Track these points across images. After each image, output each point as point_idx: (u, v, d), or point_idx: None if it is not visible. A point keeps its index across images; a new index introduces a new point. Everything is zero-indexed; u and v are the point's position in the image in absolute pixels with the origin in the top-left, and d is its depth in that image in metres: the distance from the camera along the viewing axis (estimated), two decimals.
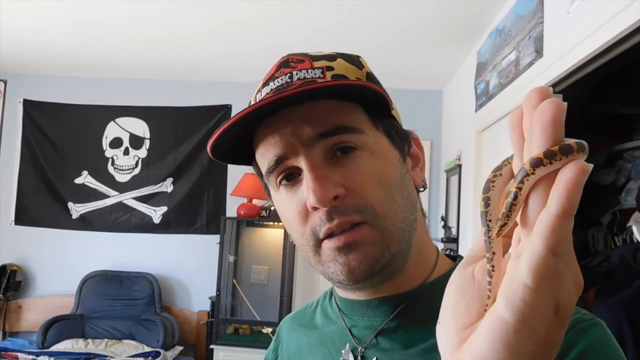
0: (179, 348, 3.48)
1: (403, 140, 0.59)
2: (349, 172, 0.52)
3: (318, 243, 0.52)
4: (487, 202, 0.31)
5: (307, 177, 0.51)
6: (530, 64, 1.98)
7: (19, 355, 3.08)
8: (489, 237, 0.31)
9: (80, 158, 3.95)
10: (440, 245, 3.30)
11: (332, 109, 0.53)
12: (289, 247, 3.48)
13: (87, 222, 3.93)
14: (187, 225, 3.87)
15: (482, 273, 0.33)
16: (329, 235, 0.51)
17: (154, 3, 2.60)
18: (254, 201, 3.58)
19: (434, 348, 0.51)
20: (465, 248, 2.90)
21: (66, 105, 3.99)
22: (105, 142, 3.97)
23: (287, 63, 0.57)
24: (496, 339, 0.28)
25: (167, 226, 3.88)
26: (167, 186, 3.91)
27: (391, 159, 0.55)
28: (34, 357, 3.06)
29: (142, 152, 3.95)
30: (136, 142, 3.96)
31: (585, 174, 0.26)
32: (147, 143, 3.96)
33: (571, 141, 0.27)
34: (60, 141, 3.97)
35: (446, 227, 3.30)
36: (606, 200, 2.41)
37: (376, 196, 0.52)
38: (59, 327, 3.42)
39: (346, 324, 0.60)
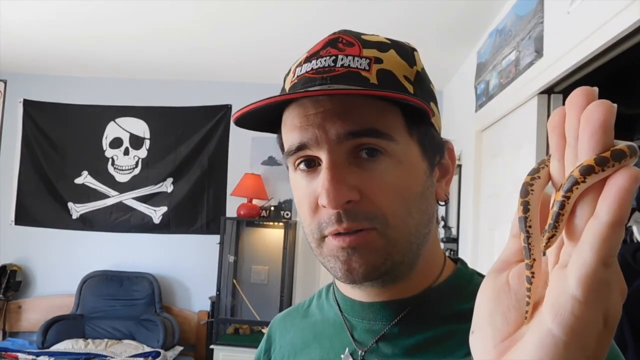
0: (179, 348, 3.48)
1: (436, 151, 0.56)
2: (369, 177, 0.50)
3: (322, 237, 0.52)
4: (526, 207, 0.29)
5: (324, 174, 0.49)
6: (530, 64, 1.98)
7: (19, 355, 3.08)
8: (529, 243, 0.29)
9: (80, 158, 3.95)
10: (441, 246, 3.29)
11: (368, 108, 0.50)
12: (289, 247, 3.48)
13: (87, 222, 3.93)
14: (187, 225, 3.87)
15: (518, 280, 0.31)
16: (335, 233, 0.51)
17: (154, 3, 2.60)
18: (254, 201, 3.59)
19: (436, 355, 0.52)
20: (465, 248, 2.90)
21: (66, 105, 3.99)
22: (105, 142, 3.97)
23: (336, 43, 0.54)
24: (544, 354, 0.27)
25: (167, 226, 3.88)
26: (167, 186, 3.91)
27: (417, 171, 0.53)
28: (34, 357, 3.06)
29: (142, 152, 3.95)
30: (136, 142, 3.96)
31: (637, 181, 0.25)
32: (147, 143, 3.96)
33: (622, 145, 0.26)
34: (60, 141, 3.97)
35: (446, 227, 3.30)
36: None
37: (391, 206, 0.50)
38: (59, 327, 3.42)
39: (347, 326, 0.59)
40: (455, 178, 3.18)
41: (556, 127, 0.29)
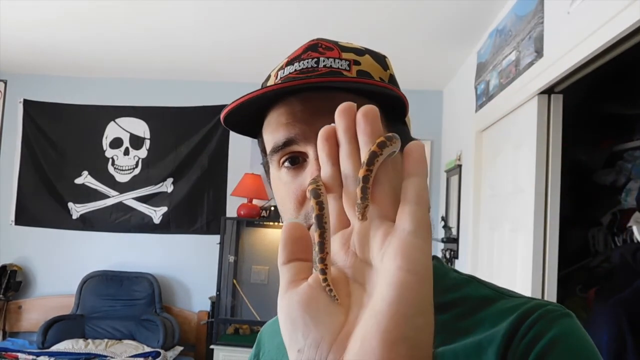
0: (179, 348, 3.48)
1: (405, 140, 0.58)
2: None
3: (308, 228, 0.52)
4: (321, 206, 0.34)
5: (313, 167, 0.51)
6: (530, 64, 1.98)
7: (19, 355, 3.08)
8: (324, 238, 0.33)
9: (80, 158, 3.95)
10: (441, 245, 3.29)
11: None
12: None
13: (87, 222, 3.93)
14: (187, 226, 3.87)
15: (315, 283, 0.33)
16: None
17: (154, 3, 2.60)
18: (254, 201, 3.59)
19: (444, 353, 0.52)
20: (465, 248, 2.90)
21: (66, 105, 3.99)
22: (106, 142, 3.97)
23: (316, 47, 0.57)
24: (404, 289, 0.30)
25: (167, 226, 3.88)
26: (167, 186, 3.91)
27: (395, 160, 0.54)
28: (34, 357, 3.06)
29: (142, 152, 3.95)
30: (136, 142, 3.96)
31: (422, 147, 0.33)
32: (147, 143, 3.96)
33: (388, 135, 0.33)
34: (60, 141, 3.97)
35: (446, 227, 3.30)
36: (606, 201, 2.41)
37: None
38: (59, 327, 3.42)
39: None
40: (455, 178, 3.18)
41: (328, 139, 0.35)
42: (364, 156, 0.33)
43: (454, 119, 3.43)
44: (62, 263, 3.88)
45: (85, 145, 3.96)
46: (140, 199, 3.92)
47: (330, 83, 0.51)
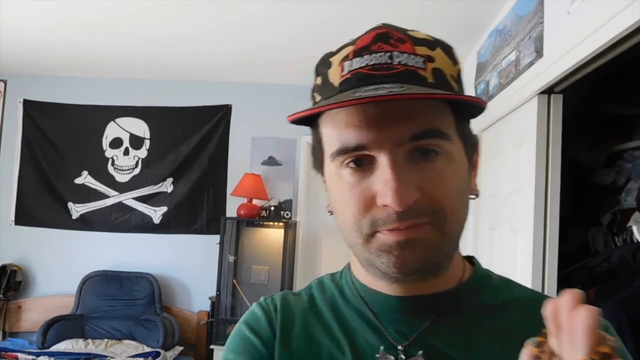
0: (179, 348, 3.48)
1: (472, 147, 0.57)
2: (427, 175, 0.50)
3: (373, 233, 0.51)
4: None
5: (388, 175, 0.49)
6: (530, 64, 1.98)
7: (19, 355, 3.08)
8: None
9: (80, 158, 3.95)
10: None
11: (428, 109, 0.50)
12: (289, 247, 3.49)
13: (87, 222, 3.93)
14: (187, 225, 3.87)
15: None
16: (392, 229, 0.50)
17: (154, 3, 2.60)
18: (254, 201, 3.59)
19: (476, 347, 0.55)
20: (465, 248, 2.88)
21: (66, 105, 3.99)
22: (105, 142, 3.97)
23: (387, 38, 0.52)
24: None
25: (167, 226, 3.88)
26: (167, 186, 3.91)
27: (463, 167, 0.55)
28: (34, 357, 3.06)
29: (142, 152, 3.95)
30: (136, 142, 3.96)
31: None
32: (147, 143, 3.96)
33: (609, 344, 0.35)
34: (60, 141, 3.97)
35: None
36: (606, 201, 2.41)
37: (449, 202, 0.51)
38: (59, 327, 3.42)
39: (379, 322, 0.57)
40: None
41: (552, 315, 0.37)
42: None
43: None
44: (62, 263, 3.88)
45: (85, 145, 3.96)
46: (140, 199, 3.92)
47: (425, 95, 0.48)
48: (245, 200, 3.56)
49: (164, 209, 3.89)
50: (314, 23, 2.73)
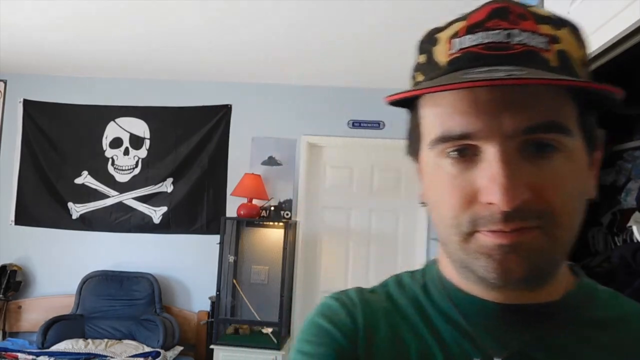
0: (179, 348, 3.48)
1: (594, 143, 0.50)
2: (542, 174, 0.44)
3: (472, 232, 0.46)
4: None
5: (495, 169, 0.43)
6: None
7: (19, 355, 3.08)
8: None
9: (80, 158, 3.95)
10: None
11: (547, 99, 0.44)
12: (289, 247, 3.48)
13: (87, 222, 3.93)
14: (187, 225, 3.87)
15: None
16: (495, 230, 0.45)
17: (154, 3, 2.60)
18: (254, 201, 3.59)
19: None
20: None
21: (66, 105, 3.99)
22: (105, 142, 3.97)
23: (506, 14, 0.46)
24: None
25: (167, 226, 3.88)
26: (167, 186, 3.91)
27: (582, 166, 0.48)
28: (34, 357, 3.06)
29: (142, 152, 3.95)
30: (136, 142, 3.96)
31: None
32: (147, 143, 3.96)
33: None
34: (60, 141, 3.97)
35: None
36: (606, 200, 2.41)
37: (561, 204, 0.45)
38: (59, 327, 3.42)
39: (475, 330, 0.51)
40: None
41: None
42: None
43: None
44: (62, 263, 3.88)
45: (85, 145, 3.96)
46: (140, 199, 3.92)
47: (545, 80, 0.41)
48: (245, 200, 3.56)
49: (164, 209, 3.89)
50: (314, 22, 2.73)
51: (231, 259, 3.68)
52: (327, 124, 3.78)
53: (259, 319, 3.57)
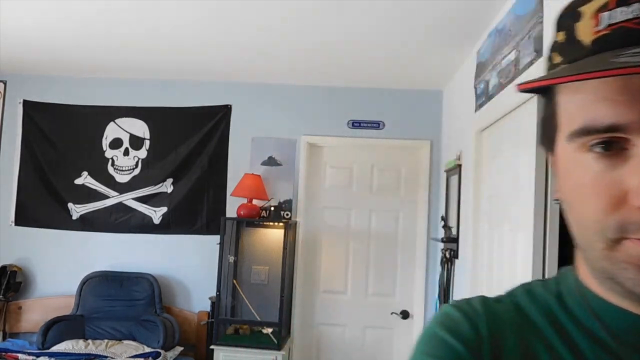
0: (179, 348, 3.48)
1: None
2: None
3: (619, 240, 0.40)
4: None
5: None
6: (530, 63, 1.98)
7: (19, 356, 3.08)
8: None
9: (80, 158, 3.95)
10: (441, 245, 3.29)
11: None
12: (289, 247, 3.48)
13: (87, 223, 3.93)
14: (187, 226, 3.87)
15: None
16: None
17: (154, 3, 2.60)
18: (254, 201, 3.59)
19: None
20: (465, 248, 2.90)
21: (66, 106, 3.99)
22: (105, 143, 3.97)
23: None
24: None
25: (167, 226, 3.88)
26: (167, 186, 3.91)
27: None
28: (34, 357, 3.06)
29: (142, 153, 3.95)
30: (136, 142, 3.96)
31: None
32: (147, 143, 3.96)
33: None
34: (60, 141, 3.97)
35: (446, 227, 3.30)
36: None
37: None
38: (59, 327, 3.42)
39: (624, 351, 0.45)
40: (455, 178, 3.18)
41: None
42: None
43: (453, 119, 3.43)
44: (62, 263, 3.88)
45: (85, 146, 3.96)
46: (140, 200, 3.92)
47: None
48: (245, 201, 3.56)
49: (164, 209, 3.89)
50: (315, 23, 2.73)
51: (231, 259, 3.68)
52: (326, 124, 3.78)
53: (259, 319, 3.57)
